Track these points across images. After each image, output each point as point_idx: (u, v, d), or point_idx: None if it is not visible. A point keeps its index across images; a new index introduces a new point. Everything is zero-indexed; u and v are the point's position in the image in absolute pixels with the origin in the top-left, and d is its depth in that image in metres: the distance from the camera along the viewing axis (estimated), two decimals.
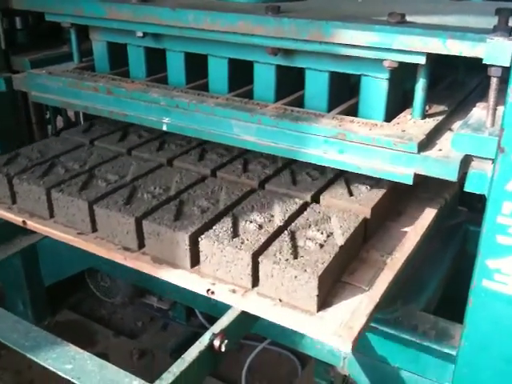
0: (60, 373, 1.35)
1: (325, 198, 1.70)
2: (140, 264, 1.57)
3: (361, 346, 1.65)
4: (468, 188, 1.43)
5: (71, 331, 3.09)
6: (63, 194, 1.69)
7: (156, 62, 2.05)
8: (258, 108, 1.75)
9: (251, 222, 1.55)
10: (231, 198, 1.69)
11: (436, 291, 1.98)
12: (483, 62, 1.32)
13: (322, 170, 1.86)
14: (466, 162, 1.42)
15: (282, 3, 1.71)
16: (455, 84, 1.97)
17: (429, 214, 1.82)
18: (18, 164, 1.89)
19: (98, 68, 2.18)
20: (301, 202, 1.67)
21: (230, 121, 1.73)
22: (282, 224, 1.55)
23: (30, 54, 2.43)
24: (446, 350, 1.65)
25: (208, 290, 1.45)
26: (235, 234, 1.49)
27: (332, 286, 1.43)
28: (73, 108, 2.32)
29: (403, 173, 1.50)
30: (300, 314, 1.35)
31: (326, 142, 1.60)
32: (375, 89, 1.66)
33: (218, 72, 1.91)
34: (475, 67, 1.46)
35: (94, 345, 3.04)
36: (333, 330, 1.29)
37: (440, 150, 1.49)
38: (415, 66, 1.55)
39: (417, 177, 1.49)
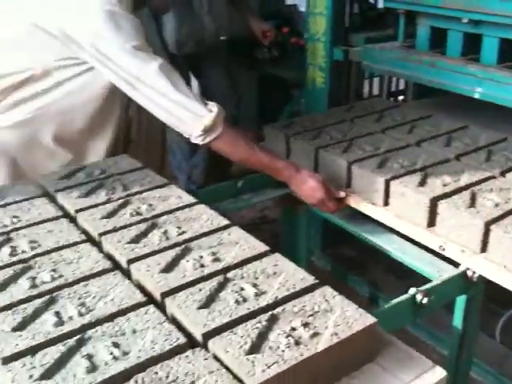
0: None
1: None
2: (384, 217, 1.89)
3: None
4: None
5: None
6: (328, 154, 2.09)
7: (469, 44, 2.48)
8: None
9: (488, 199, 1.73)
10: (471, 179, 1.88)
11: None
12: None
13: None
14: None
15: None
16: None
17: None
18: (293, 128, 2.36)
19: (419, 47, 2.68)
20: None
21: None
22: None
23: (361, 33, 3.00)
24: None
25: (440, 246, 1.70)
26: (471, 204, 1.70)
27: None
28: (399, 77, 3.13)
29: None
30: None
31: None
32: None
33: None
34: None
35: None
36: None
37: None
38: None
39: None
